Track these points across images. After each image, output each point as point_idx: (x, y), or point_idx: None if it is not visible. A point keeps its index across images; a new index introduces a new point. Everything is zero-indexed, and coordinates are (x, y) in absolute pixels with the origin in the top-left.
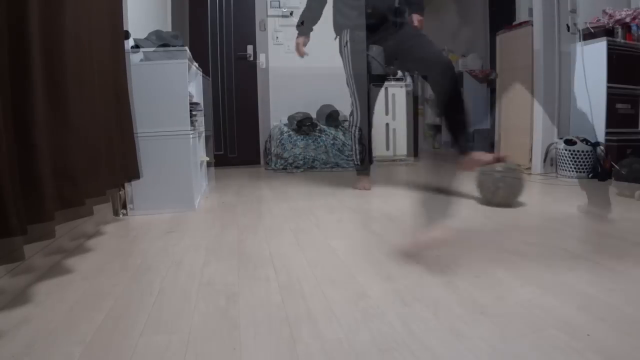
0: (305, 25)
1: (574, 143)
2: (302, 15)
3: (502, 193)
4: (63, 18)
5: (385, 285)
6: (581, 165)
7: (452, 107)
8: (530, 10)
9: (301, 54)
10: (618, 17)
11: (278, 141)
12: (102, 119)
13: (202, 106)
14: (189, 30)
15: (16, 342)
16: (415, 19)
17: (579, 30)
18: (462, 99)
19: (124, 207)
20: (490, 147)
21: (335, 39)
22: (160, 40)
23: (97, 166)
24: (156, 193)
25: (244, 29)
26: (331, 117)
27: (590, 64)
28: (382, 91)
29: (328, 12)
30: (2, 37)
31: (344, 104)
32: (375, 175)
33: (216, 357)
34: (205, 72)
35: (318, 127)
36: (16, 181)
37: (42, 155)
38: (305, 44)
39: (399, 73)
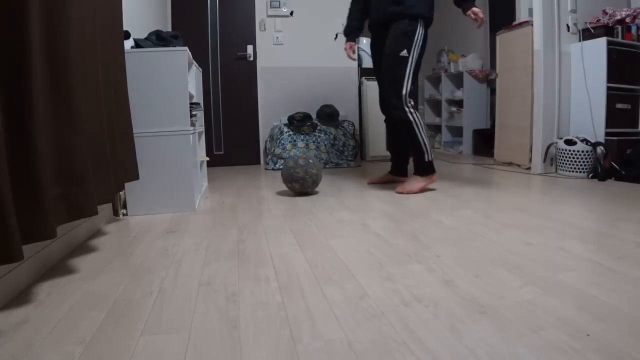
0: (348, 31)
1: (574, 143)
2: (346, 22)
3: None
4: (68, 17)
5: (385, 285)
6: (581, 165)
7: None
8: (530, 10)
9: (351, 58)
10: (618, 17)
11: (278, 141)
12: (104, 119)
13: (202, 106)
14: (189, 30)
15: (16, 342)
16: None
17: (579, 30)
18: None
19: (124, 207)
20: (490, 147)
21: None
22: (160, 40)
23: (102, 169)
24: (156, 193)
25: (244, 29)
26: (331, 117)
27: (590, 63)
28: None
29: (325, 11)
30: (3, 36)
31: (344, 104)
32: (374, 175)
33: (216, 357)
34: (206, 72)
35: (318, 127)
36: (16, 182)
37: (44, 157)
38: (352, 48)
39: None
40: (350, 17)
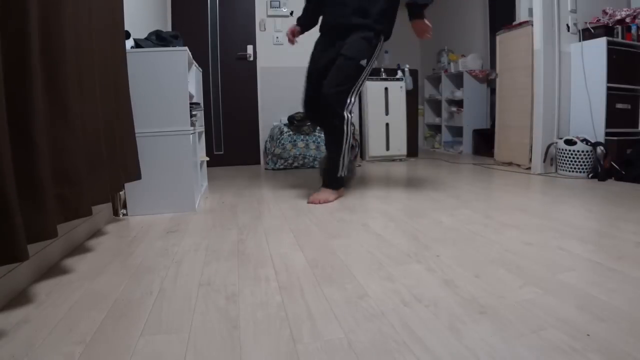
0: (302, 22)
1: (574, 143)
2: (302, 14)
3: None
4: (63, 17)
5: (385, 285)
6: (581, 165)
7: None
8: (530, 10)
9: (291, 41)
10: (618, 17)
11: (278, 141)
12: (101, 119)
13: (202, 106)
14: (189, 30)
15: (16, 342)
16: (416, 29)
17: (579, 30)
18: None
19: (124, 207)
20: (490, 147)
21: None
22: (160, 40)
23: (98, 169)
24: (156, 193)
25: (244, 29)
26: None
27: (590, 63)
28: (382, 91)
29: None
30: (3, 36)
31: None
32: (375, 175)
33: (216, 357)
34: (206, 72)
35: (318, 128)
36: (17, 181)
37: (44, 157)
38: (296, 32)
39: (399, 73)
40: (306, 11)
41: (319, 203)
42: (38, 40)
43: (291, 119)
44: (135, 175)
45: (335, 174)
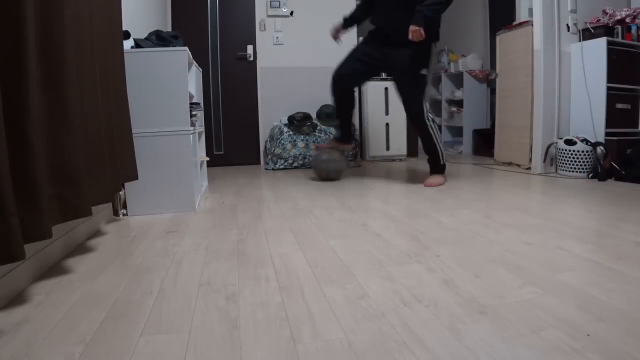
0: (346, 20)
1: (574, 143)
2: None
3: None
4: (61, 16)
5: (385, 285)
6: (581, 165)
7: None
8: (530, 10)
9: (334, 36)
10: (618, 17)
11: (278, 141)
12: (101, 120)
13: (202, 106)
14: (189, 30)
15: (16, 342)
16: (410, 30)
17: (579, 30)
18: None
19: (124, 207)
20: (490, 147)
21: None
22: (160, 40)
23: (98, 169)
24: (156, 193)
25: (244, 29)
26: (331, 117)
27: (590, 63)
28: (382, 91)
29: (325, 11)
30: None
31: None
32: (375, 174)
33: (216, 357)
34: (206, 72)
35: (318, 127)
36: (13, 181)
37: (40, 157)
38: (339, 30)
39: None
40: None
41: (436, 186)
42: (36, 40)
43: (291, 119)
44: (133, 175)
45: (439, 162)
